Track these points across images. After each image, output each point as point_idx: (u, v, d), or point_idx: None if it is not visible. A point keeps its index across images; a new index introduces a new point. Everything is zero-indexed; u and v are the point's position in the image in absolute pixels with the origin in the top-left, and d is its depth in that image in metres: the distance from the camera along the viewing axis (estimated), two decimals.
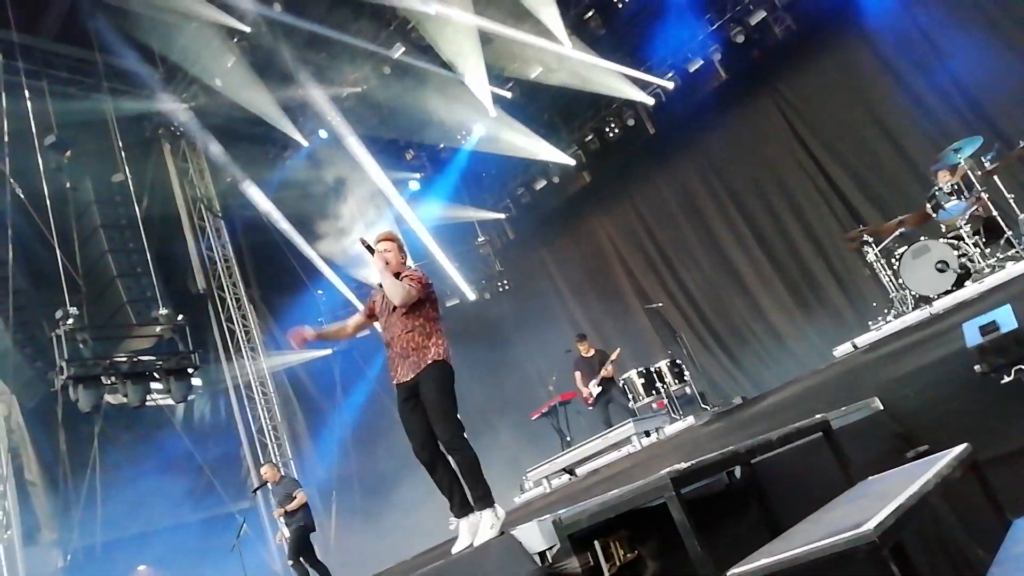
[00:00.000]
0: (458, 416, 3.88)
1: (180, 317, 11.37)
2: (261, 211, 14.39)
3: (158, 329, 11.36)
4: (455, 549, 3.63)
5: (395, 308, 4.14)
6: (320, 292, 15.47)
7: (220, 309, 14.15)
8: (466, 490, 3.82)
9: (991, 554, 2.18)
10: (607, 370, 9.85)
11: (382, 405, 14.89)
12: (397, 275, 4.20)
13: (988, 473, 3.00)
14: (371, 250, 4.28)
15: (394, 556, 8.07)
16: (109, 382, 10.19)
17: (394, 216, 14.84)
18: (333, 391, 14.98)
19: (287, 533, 8.99)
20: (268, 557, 12.40)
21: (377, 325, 4.42)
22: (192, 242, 14.38)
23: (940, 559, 2.03)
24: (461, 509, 3.83)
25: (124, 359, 10.45)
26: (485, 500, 3.71)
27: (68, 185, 11.84)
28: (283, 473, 9.52)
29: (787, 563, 1.88)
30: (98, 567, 10.57)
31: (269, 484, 9.60)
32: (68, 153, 11.58)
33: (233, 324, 14.01)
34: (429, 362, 3.94)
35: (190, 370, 10.98)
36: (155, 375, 10.70)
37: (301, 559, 8.92)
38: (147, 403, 10.72)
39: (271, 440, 13.41)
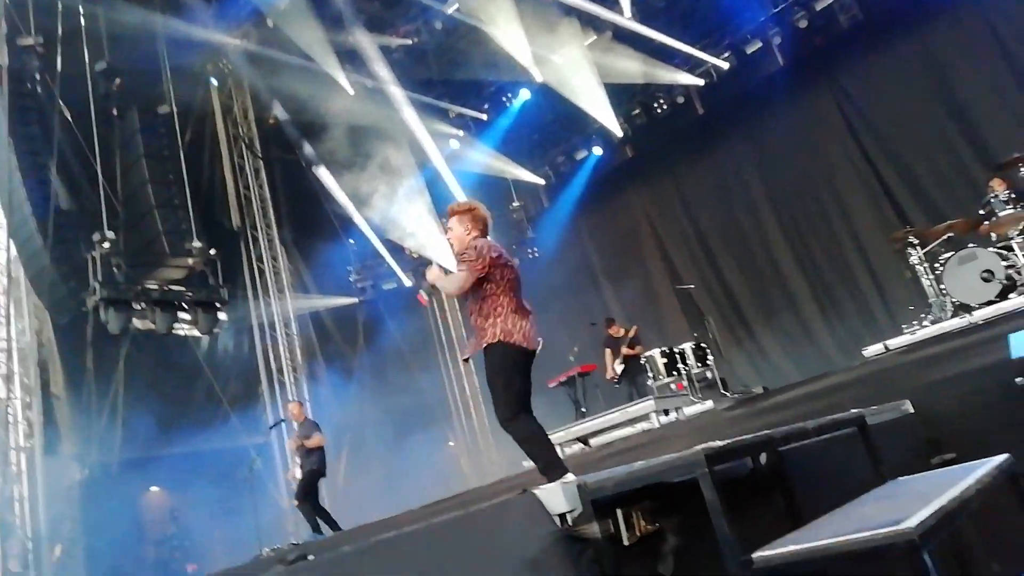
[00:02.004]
0: (512, 398, 3.78)
1: (213, 252, 11.51)
2: (301, 156, 14.43)
3: (191, 261, 11.52)
4: None
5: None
6: (352, 241, 15.55)
7: (252, 248, 14.31)
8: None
9: (1022, 562, 2.13)
10: (631, 349, 9.99)
11: (402, 357, 15.03)
12: (463, 256, 3.95)
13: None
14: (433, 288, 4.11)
15: (402, 505, 8.16)
16: (139, 307, 10.39)
17: (431, 173, 14.83)
18: (355, 339, 15.12)
19: (298, 473, 9.12)
20: (277, 494, 12.65)
21: None
22: (231, 180, 14.51)
23: (975, 565, 1.99)
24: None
25: (155, 287, 10.64)
26: (546, 473, 3.67)
27: (115, 112, 11.95)
28: (307, 415, 9.60)
29: (818, 551, 1.84)
30: (113, 483, 10.86)
31: (292, 423, 9.71)
32: (118, 81, 11.67)
33: (263, 264, 14.17)
34: (484, 345, 3.84)
35: (218, 304, 11.15)
36: (184, 305, 10.89)
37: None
38: (174, 331, 10.92)
39: (290, 380, 13.62)
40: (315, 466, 9.03)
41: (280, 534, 11.25)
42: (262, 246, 14.32)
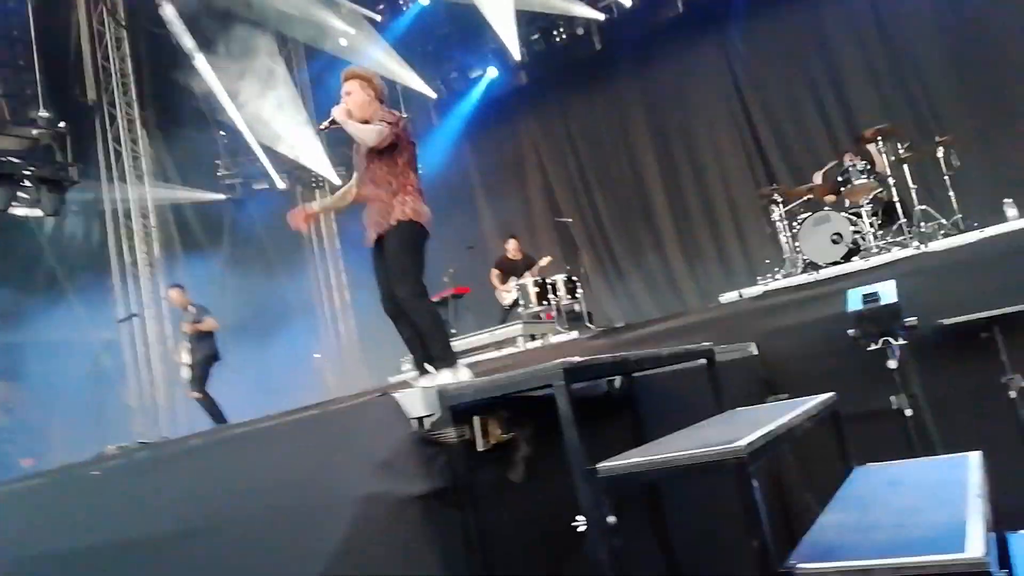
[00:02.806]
0: (419, 276, 3.74)
1: (62, 125, 10.47)
2: (172, 32, 13.19)
3: (35, 132, 10.48)
4: None
5: (366, 165, 3.79)
6: (223, 134, 14.58)
7: (108, 127, 13.08)
8: (427, 348, 3.74)
9: (832, 489, 2.39)
10: (534, 274, 9.69)
11: (269, 262, 14.46)
12: (365, 122, 3.72)
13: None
14: (333, 123, 3.76)
15: (261, 412, 7.99)
16: None
17: (316, 68, 14.05)
18: (220, 237, 14.36)
19: (186, 358, 8.64)
20: (124, 391, 12.05)
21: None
22: (87, 47, 13.10)
23: (794, 482, 2.20)
24: (419, 367, 3.77)
25: None
26: (444, 359, 3.63)
27: None
28: (191, 300, 8.99)
29: (659, 464, 1.97)
30: None
31: (180, 310, 9.06)
32: None
33: (121, 145, 13.01)
34: (393, 222, 3.71)
35: (66, 183, 10.22)
36: (25, 181, 9.88)
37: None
38: (11, 209, 9.92)
39: (145, 274, 12.79)
40: (209, 351, 8.66)
41: (126, 433, 10.76)
42: (120, 126, 13.11)
